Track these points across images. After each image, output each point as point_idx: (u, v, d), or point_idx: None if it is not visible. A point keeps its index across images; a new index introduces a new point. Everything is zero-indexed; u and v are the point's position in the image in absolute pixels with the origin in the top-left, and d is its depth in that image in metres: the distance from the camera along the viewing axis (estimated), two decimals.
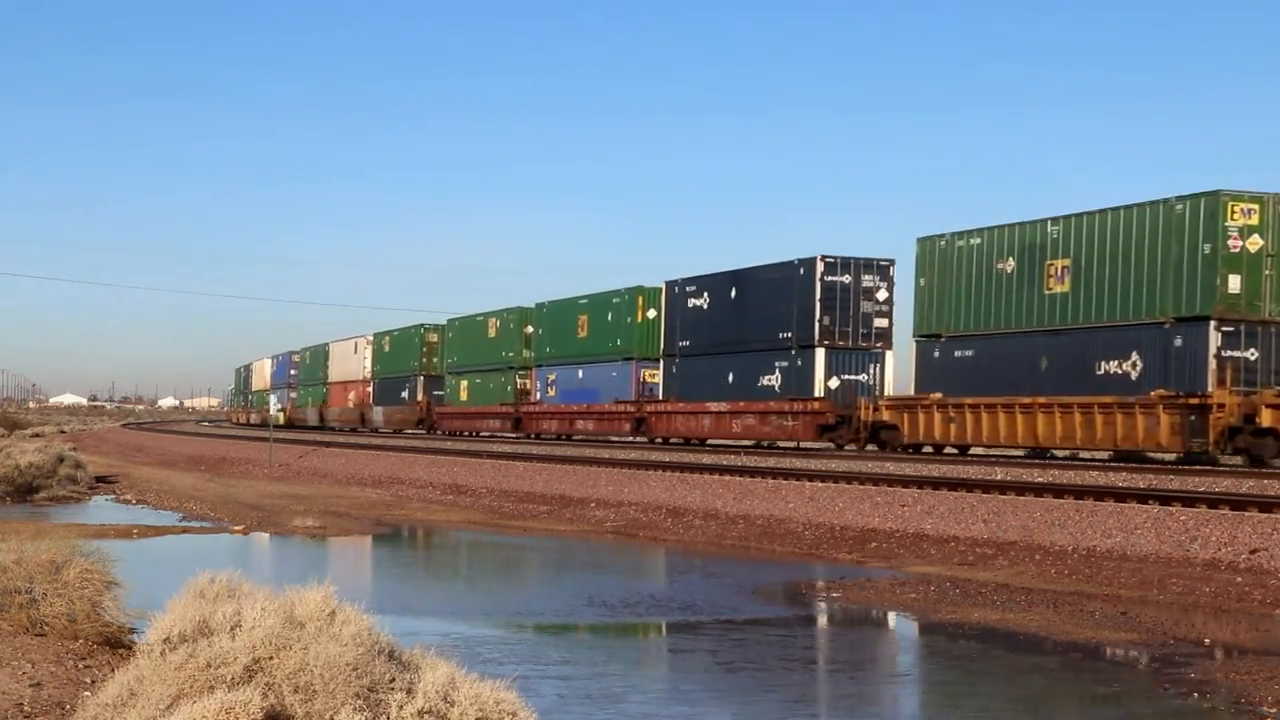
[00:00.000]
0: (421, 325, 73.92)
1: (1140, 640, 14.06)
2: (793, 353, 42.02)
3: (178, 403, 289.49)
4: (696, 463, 35.01)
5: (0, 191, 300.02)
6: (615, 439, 53.27)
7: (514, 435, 59.79)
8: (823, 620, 15.92)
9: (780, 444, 44.66)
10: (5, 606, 10.80)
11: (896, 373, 41.67)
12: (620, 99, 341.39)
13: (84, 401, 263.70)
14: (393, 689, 7.62)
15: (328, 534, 25.35)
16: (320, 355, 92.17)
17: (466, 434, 66.22)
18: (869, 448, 38.76)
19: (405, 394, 74.15)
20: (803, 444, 42.99)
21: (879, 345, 41.59)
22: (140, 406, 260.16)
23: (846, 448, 39.62)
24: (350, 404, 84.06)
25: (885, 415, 38.55)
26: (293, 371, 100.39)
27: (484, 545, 25.18)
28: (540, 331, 59.60)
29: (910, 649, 14.54)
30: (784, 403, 42.22)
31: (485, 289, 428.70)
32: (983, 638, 14.57)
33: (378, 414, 78.00)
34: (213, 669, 7.48)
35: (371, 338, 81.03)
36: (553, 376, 57.93)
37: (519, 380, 61.31)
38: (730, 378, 45.13)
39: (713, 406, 45.66)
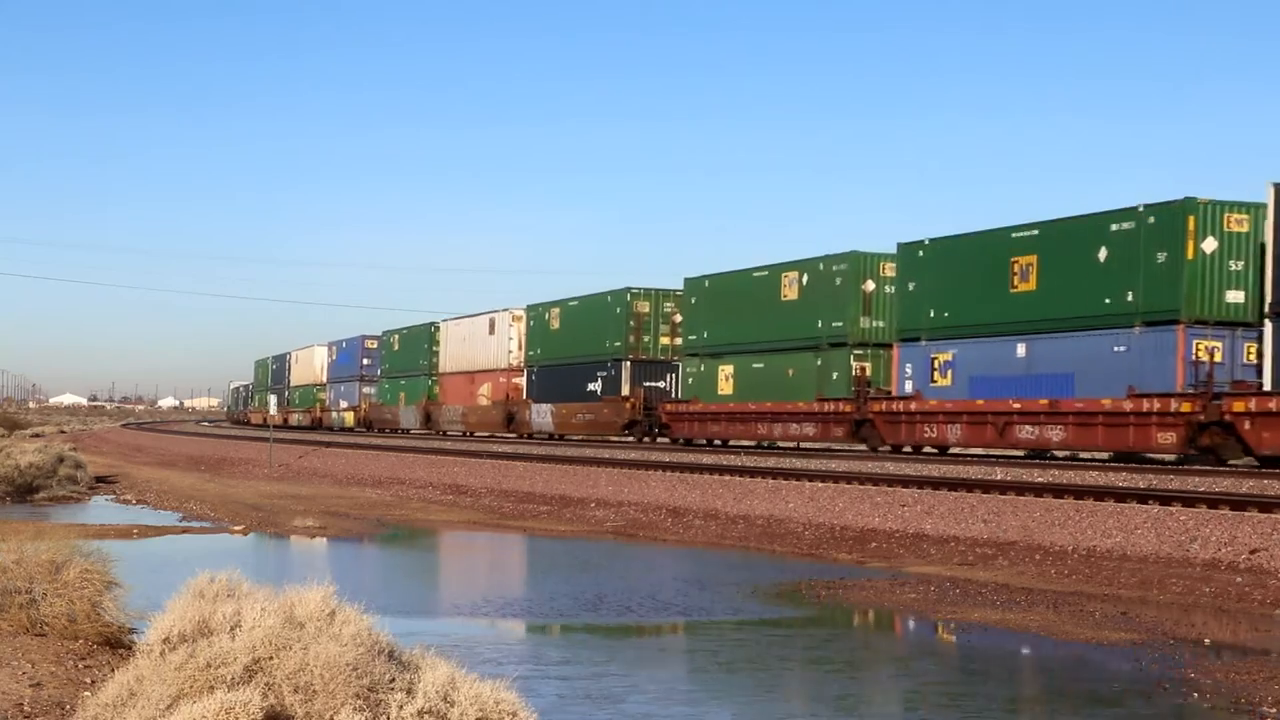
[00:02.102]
0: (627, 289, 52.29)
1: (1140, 640, 14.05)
2: None
3: (178, 403, 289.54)
4: (696, 463, 35.00)
5: (1, 192, 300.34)
6: (1065, 458, 34.03)
7: (849, 450, 38.53)
8: (823, 620, 15.91)
9: None
10: (5, 606, 10.80)
11: None
12: (617, 103, 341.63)
13: (84, 401, 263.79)
14: (393, 689, 7.62)
15: (328, 534, 25.35)
16: (421, 339, 71.64)
17: (727, 443, 45.90)
18: None
19: (596, 386, 53.24)
20: None
21: None
22: (140, 407, 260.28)
23: None
24: (484, 400, 63.30)
25: None
26: (366, 361, 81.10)
27: (484, 545, 25.18)
28: (911, 287, 38.35)
29: (910, 649, 14.53)
30: None
31: (488, 290, 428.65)
32: (982, 638, 14.57)
33: (541, 414, 57.01)
34: (213, 669, 7.48)
35: (523, 311, 60.75)
36: (946, 356, 36.99)
37: (854, 363, 40.45)
38: None
39: None
